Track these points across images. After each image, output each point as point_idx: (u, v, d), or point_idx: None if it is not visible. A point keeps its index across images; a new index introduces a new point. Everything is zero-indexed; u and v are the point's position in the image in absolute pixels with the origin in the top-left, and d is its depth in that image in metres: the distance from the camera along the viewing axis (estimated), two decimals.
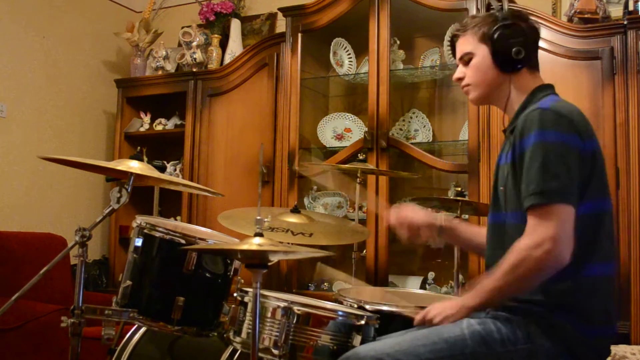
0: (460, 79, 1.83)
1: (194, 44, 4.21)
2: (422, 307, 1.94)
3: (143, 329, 2.27)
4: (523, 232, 1.58)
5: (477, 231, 1.99)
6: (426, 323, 1.69)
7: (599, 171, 1.62)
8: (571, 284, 1.58)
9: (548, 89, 1.77)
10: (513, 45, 1.72)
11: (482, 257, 2.04)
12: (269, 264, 1.59)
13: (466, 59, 1.80)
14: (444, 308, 1.67)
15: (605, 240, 1.62)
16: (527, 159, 1.58)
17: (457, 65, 1.84)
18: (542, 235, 1.52)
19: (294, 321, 1.71)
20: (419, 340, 1.60)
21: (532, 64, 1.78)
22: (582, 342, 1.58)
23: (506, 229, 1.68)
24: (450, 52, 1.92)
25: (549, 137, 1.57)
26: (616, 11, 3.20)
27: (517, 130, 1.64)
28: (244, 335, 1.81)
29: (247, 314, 1.82)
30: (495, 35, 1.73)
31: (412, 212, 1.93)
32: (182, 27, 4.46)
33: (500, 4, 1.82)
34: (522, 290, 1.58)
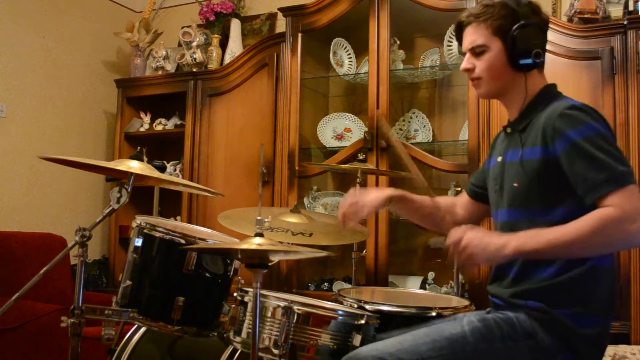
0: (468, 70, 1.76)
1: (194, 44, 4.21)
2: (423, 307, 1.95)
3: (143, 329, 2.27)
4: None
5: (425, 202, 1.95)
6: (456, 250, 1.57)
7: None
8: (581, 271, 1.58)
9: (555, 88, 1.77)
10: (533, 47, 1.68)
11: (432, 229, 2.01)
12: (269, 264, 1.59)
13: (478, 51, 1.73)
14: (482, 239, 1.55)
15: None
16: (584, 152, 1.55)
17: (464, 54, 1.78)
18: (634, 209, 1.49)
19: (294, 321, 1.71)
20: (420, 339, 1.60)
21: (543, 64, 1.76)
22: (582, 336, 1.58)
23: (526, 225, 1.62)
24: (455, 38, 1.84)
25: (601, 128, 1.59)
26: (616, 11, 3.20)
27: (551, 128, 1.60)
28: (244, 335, 1.81)
29: (248, 313, 1.82)
30: (516, 34, 1.67)
31: (361, 198, 1.89)
32: (182, 27, 4.46)
33: None
34: (588, 255, 1.56)
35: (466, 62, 1.77)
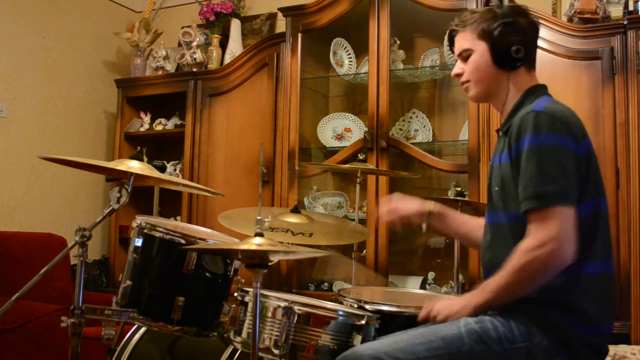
0: (458, 75, 1.82)
1: (194, 44, 4.21)
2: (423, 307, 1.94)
3: (143, 329, 2.26)
4: (524, 233, 1.58)
5: (468, 220, 2.00)
6: (430, 320, 1.69)
7: (594, 171, 1.64)
8: (570, 281, 1.58)
9: (541, 89, 1.77)
10: (512, 43, 1.71)
11: (472, 248, 2.06)
12: (269, 264, 1.59)
13: (465, 55, 1.79)
14: (448, 305, 1.67)
15: (602, 238, 1.64)
16: (524, 163, 1.59)
17: (456, 61, 1.83)
18: (544, 235, 1.53)
19: (295, 321, 1.71)
20: (416, 339, 1.61)
21: (530, 63, 1.78)
22: (579, 340, 1.58)
23: (506, 229, 1.68)
24: (449, 47, 1.91)
25: (543, 140, 1.58)
26: (616, 11, 3.20)
27: (513, 133, 1.64)
28: (244, 335, 1.81)
29: (248, 313, 1.82)
30: (495, 33, 1.72)
31: (401, 203, 1.98)
32: (182, 27, 4.46)
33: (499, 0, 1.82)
34: (527, 290, 1.59)
35: (456, 67, 1.83)
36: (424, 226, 1.96)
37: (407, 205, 1.98)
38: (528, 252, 1.55)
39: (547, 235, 1.53)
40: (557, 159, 1.56)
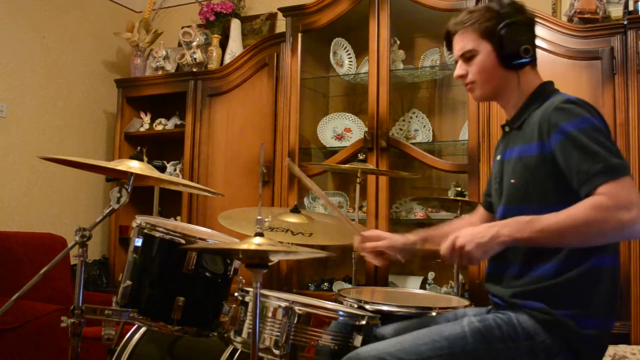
0: (462, 77, 1.79)
1: (194, 44, 4.20)
2: (423, 308, 1.95)
3: (143, 329, 2.26)
4: None
5: (450, 228, 1.94)
6: (455, 252, 1.57)
7: None
8: (581, 271, 1.58)
9: (552, 85, 1.77)
10: (521, 43, 1.69)
11: None
12: (269, 264, 1.59)
13: (468, 56, 1.75)
14: (475, 234, 1.55)
15: None
16: (579, 144, 1.54)
17: (456, 62, 1.80)
18: (627, 199, 1.48)
19: (295, 321, 1.71)
20: (420, 339, 1.60)
21: (535, 60, 1.77)
22: (582, 337, 1.58)
23: None
24: (446, 48, 1.88)
25: (596, 121, 1.58)
26: (616, 11, 3.20)
27: (546, 123, 1.60)
28: (244, 335, 1.81)
29: (248, 313, 1.82)
30: (502, 33, 1.69)
31: (376, 238, 1.91)
32: (182, 27, 4.46)
33: None
34: (580, 245, 1.54)
35: (458, 69, 1.79)
36: (402, 257, 1.92)
37: (385, 241, 1.90)
38: (604, 209, 1.47)
39: (631, 199, 1.47)
40: (610, 138, 1.57)
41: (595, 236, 1.51)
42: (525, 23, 1.73)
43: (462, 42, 1.76)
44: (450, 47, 1.83)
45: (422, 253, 1.95)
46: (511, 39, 1.69)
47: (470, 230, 1.57)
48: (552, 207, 1.57)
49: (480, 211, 2.00)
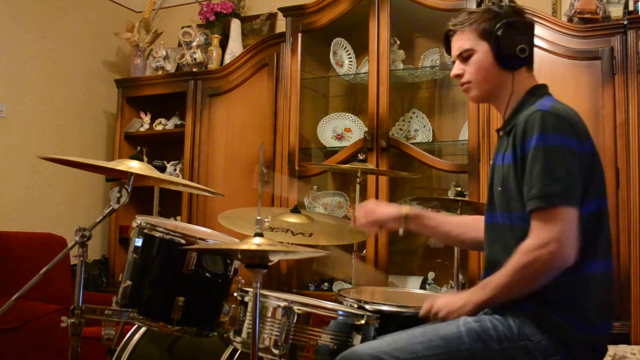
0: (458, 76, 1.80)
1: (194, 44, 4.21)
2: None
3: (143, 329, 2.26)
4: (526, 234, 1.58)
5: (447, 219, 2.00)
6: (431, 317, 1.69)
7: (599, 171, 1.64)
8: (571, 280, 1.58)
9: (543, 89, 1.77)
10: (518, 43, 1.70)
11: (456, 247, 2.06)
12: (269, 264, 1.59)
13: (465, 56, 1.76)
14: (449, 302, 1.67)
15: (604, 237, 1.64)
16: (529, 162, 1.58)
17: (454, 62, 1.81)
18: (547, 236, 1.53)
19: (294, 321, 1.71)
20: (416, 338, 1.61)
21: (531, 62, 1.78)
22: (579, 339, 1.58)
23: (507, 230, 1.67)
24: (445, 49, 1.90)
25: (550, 140, 1.57)
26: (616, 11, 3.20)
27: (518, 132, 1.63)
28: (244, 335, 1.81)
29: (248, 313, 1.82)
30: (500, 32, 1.70)
31: (377, 208, 1.96)
32: (182, 27, 4.46)
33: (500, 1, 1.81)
34: (528, 289, 1.59)
35: (456, 68, 1.81)
36: (400, 230, 1.95)
37: (382, 210, 1.96)
38: (530, 252, 1.55)
39: (550, 235, 1.53)
40: (563, 160, 1.56)
41: (530, 280, 1.57)
42: (523, 24, 1.74)
43: (460, 42, 1.77)
44: (449, 48, 1.84)
45: (416, 229, 1.98)
46: (508, 38, 1.70)
47: (445, 299, 1.70)
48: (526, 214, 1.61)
49: None
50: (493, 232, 1.74)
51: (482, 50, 1.74)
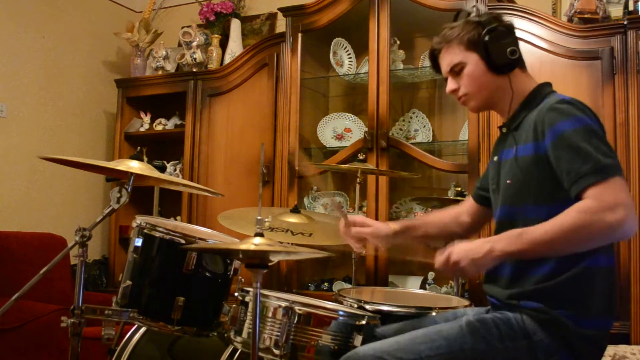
0: (454, 91, 1.80)
1: (194, 44, 4.21)
2: (423, 308, 1.95)
3: (143, 329, 2.27)
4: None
5: (433, 218, 2.00)
6: (449, 267, 1.59)
7: None
8: (576, 272, 1.58)
9: (549, 86, 1.78)
10: (506, 46, 1.71)
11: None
12: (269, 264, 1.59)
13: (457, 70, 1.77)
14: (470, 249, 1.56)
15: None
16: (570, 144, 1.55)
17: (446, 79, 1.82)
18: (613, 200, 1.48)
19: (295, 321, 1.71)
20: (418, 338, 1.61)
21: (522, 63, 1.78)
22: (581, 336, 1.58)
23: (523, 223, 1.62)
24: (433, 68, 1.90)
25: (587, 122, 1.57)
26: (616, 11, 3.20)
27: (545, 121, 1.61)
28: (244, 335, 1.81)
29: (248, 313, 1.82)
30: (486, 39, 1.71)
31: (365, 224, 1.94)
32: (182, 27, 4.46)
33: (477, 10, 1.82)
34: (571, 251, 1.54)
35: (449, 84, 1.81)
36: (363, 252, 1.95)
37: (371, 228, 1.93)
38: (591, 213, 1.47)
39: (617, 199, 1.47)
40: (603, 138, 1.57)
41: (584, 241, 1.51)
42: (506, 28, 1.75)
43: (448, 58, 1.78)
44: (437, 67, 1.85)
45: (404, 243, 1.98)
46: (496, 44, 1.71)
47: (465, 246, 1.58)
48: (547, 206, 1.59)
49: (468, 202, 2.02)
50: (501, 227, 1.72)
51: (473, 61, 1.74)
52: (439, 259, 1.60)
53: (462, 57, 1.75)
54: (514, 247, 1.54)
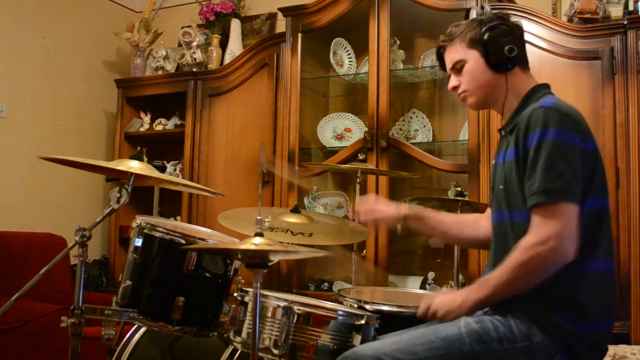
0: (455, 88, 1.83)
1: (194, 44, 4.21)
2: None
3: (143, 329, 2.27)
4: (527, 230, 1.59)
5: (445, 218, 2.02)
6: (429, 317, 1.69)
7: (600, 169, 1.65)
8: (573, 278, 1.59)
9: (545, 88, 1.78)
10: (504, 44, 1.73)
11: (455, 245, 2.06)
12: (269, 264, 1.59)
13: (458, 67, 1.80)
14: (448, 301, 1.67)
15: (605, 236, 1.65)
16: (531, 158, 1.59)
17: (449, 76, 1.85)
18: (547, 232, 1.54)
19: (294, 321, 1.71)
20: (416, 339, 1.61)
21: (524, 62, 1.79)
22: (580, 339, 1.58)
23: (510, 227, 1.68)
24: (438, 65, 1.93)
25: (552, 135, 1.58)
26: (616, 11, 3.20)
27: (521, 128, 1.64)
28: (244, 335, 1.81)
29: (248, 313, 1.82)
30: (485, 37, 1.73)
31: (378, 206, 1.98)
32: (182, 27, 4.46)
33: (482, 10, 1.84)
34: (527, 286, 1.59)
35: (451, 81, 1.84)
36: (398, 227, 1.97)
37: (382, 209, 1.98)
38: (529, 248, 1.55)
39: (550, 231, 1.53)
40: (565, 156, 1.57)
41: (530, 277, 1.58)
42: (508, 27, 1.76)
43: (451, 55, 1.82)
44: (443, 65, 1.88)
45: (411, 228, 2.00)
46: (494, 41, 1.73)
47: (444, 298, 1.68)
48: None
49: (488, 212, 2.01)
50: (499, 231, 1.75)
51: (473, 59, 1.77)
52: (421, 307, 1.71)
53: (463, 54, 1.78)
54: (482, 294, 1.63)
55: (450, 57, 1.81)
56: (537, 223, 1.56)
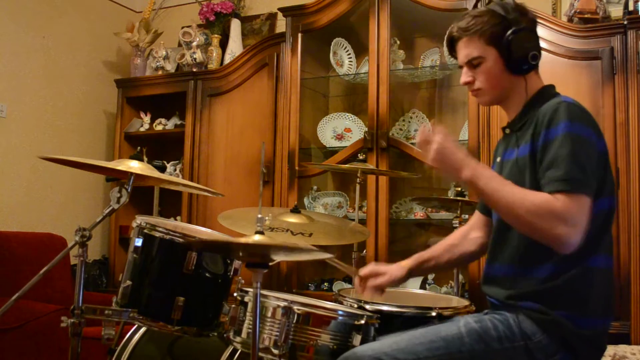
0: (468, 83, 1.77)
1: (194, 44, 4.21)
2: (423, 308, 1.95)
3: (143, 329, 2.26)
4: None
5: (441, 248, 1.98)
6: (424, 147, 1.62)
7: (609, 170, 1.66)
8: (576, 273, 1.59)
9: (553, 88, 1.78)
10: (528, 50, 1.69)
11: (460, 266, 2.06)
12: (270, 263, 1.59)
13: (475, 63, 1.74)
14: (450, 152, 1.60)
15: (609, 234, 1.66)
16: (556, 146, 1.56)
17: (461, 67, 1.79)
18: (575, 215, 1.50)
19: (294, 321, 1.71)
20: (416, 339, 1.61)
21: (538, 65, 1.77)
22: (580, 337, 1.58)
23: None
24: (449, 52, 1.86)
25: (578, 129, 1.58)
26: (616, 11, 3.20)
27: (543, 121, 1.62)
28: (244, 335, 1.81)
29: (248, 313, 1.82)
30: (510, 40, 1.68)
31: (379, 272, 1.93)
32: (182, 27, 4.46)
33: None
34: (514, 222, 1.58)
35: (465, 75, 1.78)
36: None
37: (387, 275, 1.93)
38: (553, 212, 1.50)
39: (575, 218, 1.50)
40: (587, 150, 1.57)
41: (526, 225, 1.54)
42: (531, 27, 1.73)
43: (467, 49, 1.74)
44: (452, 52, 1.82)
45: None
46: (519, 46, 1.68)
47: (451, 144, 1.61)
48: None
49: (475, 217, 2.00)
50: (499, 227, 1.73)
51: (492, 57, 1.71)
52: (422, 133, 1.64)
53: (481, 51, 1.72)
54: (479, 183, 1.58)
55: (467, 52, 1.74)
56: (567, 201, 1.51)
